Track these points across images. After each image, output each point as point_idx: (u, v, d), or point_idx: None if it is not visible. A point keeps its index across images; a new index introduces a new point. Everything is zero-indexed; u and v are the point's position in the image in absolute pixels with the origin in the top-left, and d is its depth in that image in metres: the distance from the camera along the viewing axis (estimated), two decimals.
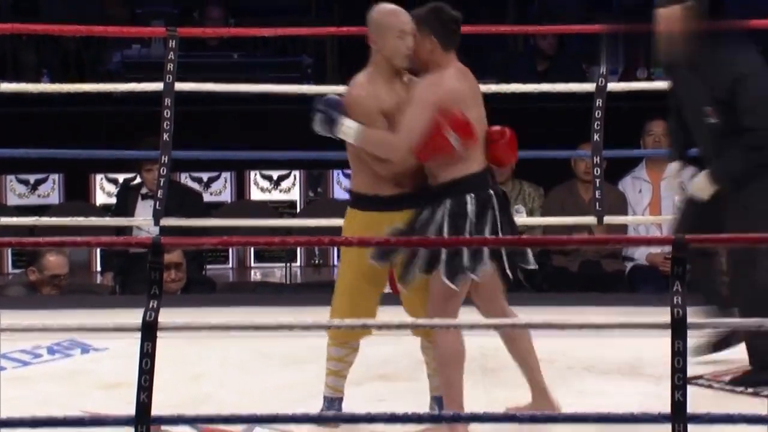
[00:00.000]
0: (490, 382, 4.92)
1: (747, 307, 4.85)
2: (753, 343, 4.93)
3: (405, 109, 4.36)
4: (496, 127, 4.46)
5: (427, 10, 4.43)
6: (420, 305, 4.45)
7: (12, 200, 8.71)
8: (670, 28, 4.80)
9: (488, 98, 4.69)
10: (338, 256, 8.45)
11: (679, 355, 3.60)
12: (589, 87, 6.06)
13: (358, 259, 4.47)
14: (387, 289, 4.59)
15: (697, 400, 3.78)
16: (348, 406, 4.57)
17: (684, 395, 3.59)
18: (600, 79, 5.93)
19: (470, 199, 4.33)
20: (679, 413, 3.58)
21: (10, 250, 8.07)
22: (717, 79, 4.81)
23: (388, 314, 4.47)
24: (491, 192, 4.36)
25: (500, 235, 4.33)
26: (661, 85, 5.48)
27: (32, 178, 8.70)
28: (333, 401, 4.61)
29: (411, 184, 4.45)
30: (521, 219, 7.02)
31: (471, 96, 4.41)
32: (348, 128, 4.38)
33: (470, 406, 4.36)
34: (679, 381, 3.59)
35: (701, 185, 4.92)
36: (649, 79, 8.65)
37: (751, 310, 4.75)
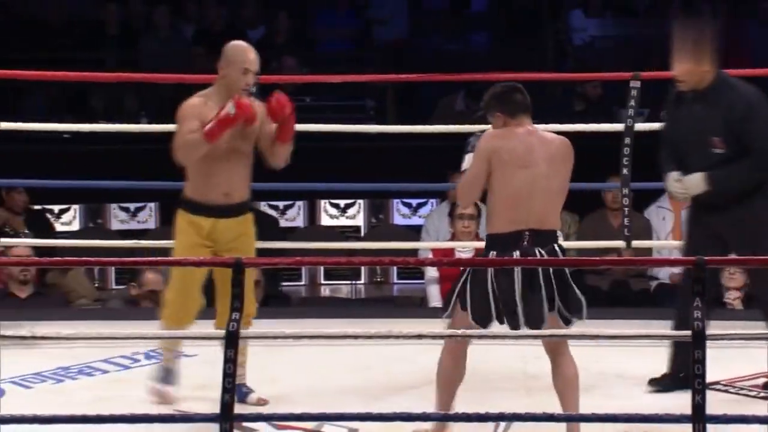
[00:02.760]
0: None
1: None
2: None
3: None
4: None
5: (488, 98, 4.29)
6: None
7: (115, 225, 8.79)
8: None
9: None
10: (398, 275, 8.48)
11: (698, 362, 3.56)
12: (619, 127, 6.03)
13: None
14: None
15: (715, 403, 3.74)
16: (406, 408, 4.54)
17: (703, 398, 3.55)
18: (628, 120, 5.89)
19: (491, 255, 4.16)
20: (698, 414, 3.54)
21: (113, 269, 8.14)
22: (729, 111, 4.76)
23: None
24: (516, 254, 4.12)
25: (515, 294, 4.11)
26: None
27: (132, 206, 8.77)
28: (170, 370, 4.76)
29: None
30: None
31: (526, 154, 4.17)
32: (465, 162, 4.28)
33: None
34: (699, 386, 3.55)
35: (695, 182, 4.83)
36: None
37: None
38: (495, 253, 4.16)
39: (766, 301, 4.89)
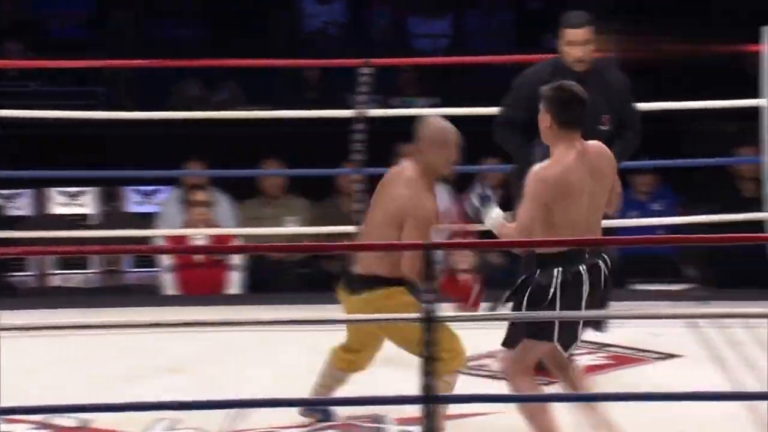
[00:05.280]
0: None
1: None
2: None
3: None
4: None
5: (550, 88, 4.15)
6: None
7: None
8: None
9: (271, 123, 4.63)
10: (134, 263, 8.35)
11: (429, 344, 3.64)
12: (350, 113, 6.11)
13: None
14: None
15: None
16: (139, 397, 4.48)
17: (432, 380, 3.63)
18: (359, 106, 5.98)
19: (557, 273, 4.10)
20: (428, 395, 3.63)
21: None
22: (614, 91, 5.01)
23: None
24: (581, 268, 4.11)
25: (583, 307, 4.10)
26: (414, 111, 5.56)
27: None
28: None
29: None
30: (292, 229, 7.04)
31: (583, 179, 4.11)
32: (492, 218, 4.17)
33: None
34: (429, 367, 3.64)
35: None
36: (403, 106, 8.78)
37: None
38: (561, 269, 4.08)
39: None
